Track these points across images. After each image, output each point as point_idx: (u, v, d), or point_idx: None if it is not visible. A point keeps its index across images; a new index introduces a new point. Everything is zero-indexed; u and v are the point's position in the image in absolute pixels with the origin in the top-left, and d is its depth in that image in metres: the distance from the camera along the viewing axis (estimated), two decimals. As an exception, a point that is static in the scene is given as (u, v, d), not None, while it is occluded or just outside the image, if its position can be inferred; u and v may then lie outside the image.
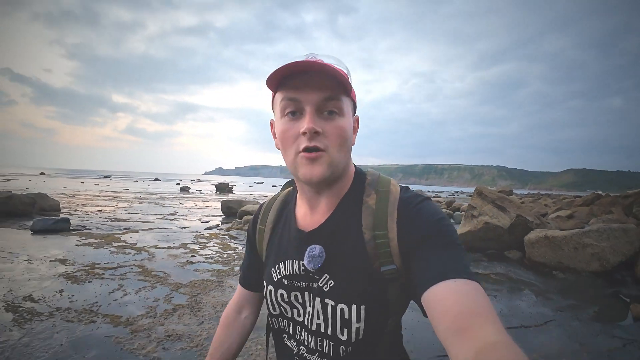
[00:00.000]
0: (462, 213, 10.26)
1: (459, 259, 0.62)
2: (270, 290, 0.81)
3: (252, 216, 0.97)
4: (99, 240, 6.71)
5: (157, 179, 63.63)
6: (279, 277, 0.80)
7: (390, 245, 0.68)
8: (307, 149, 0.67)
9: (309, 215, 0.80)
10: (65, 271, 4.55)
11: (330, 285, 0.72)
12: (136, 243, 6.69)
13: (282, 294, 0.79)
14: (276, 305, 0.81)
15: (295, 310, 0.79)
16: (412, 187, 0.80)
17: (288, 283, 0.79)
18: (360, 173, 0.81)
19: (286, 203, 0.89)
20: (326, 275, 0.73)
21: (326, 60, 0.69)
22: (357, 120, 0.81)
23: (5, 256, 5.18)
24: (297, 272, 0.77)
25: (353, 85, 0.73)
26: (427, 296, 0.58)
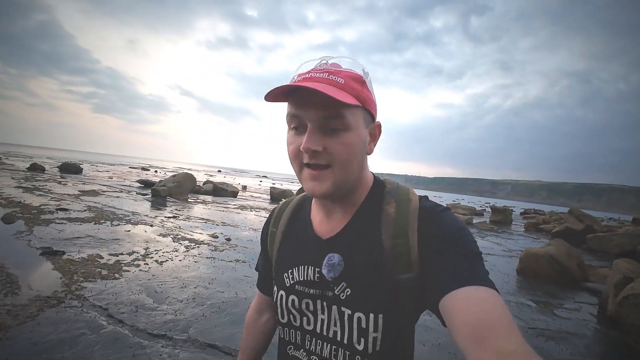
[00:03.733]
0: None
1: (478, 267, 0.61)
2: (282, 295, 0.79)
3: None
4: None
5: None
6: (292, 282, 0.78)
7: (410, 254, 0.67)
8: (309, 165, 0.67)
9: (325, 221, 0.79)
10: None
11: (347, 294, 0.70)
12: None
13: (293, 300, 0.77)
14: (285, 313, 0.79)
15: (305, 319, 0.76)
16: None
17: (301, 289, 0.76)
18: (378, 181, 0.80)
19: (300, 207, 0.88)
20: (343, 283, 0.71)
21: (342, 65, 0.68)
22: (379, 126, 0.76)
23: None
24: (312, 279, 0.75)
25: (372, 89, 0.72)
26: (445, 303, 0.58)
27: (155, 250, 5.69)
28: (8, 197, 8.96)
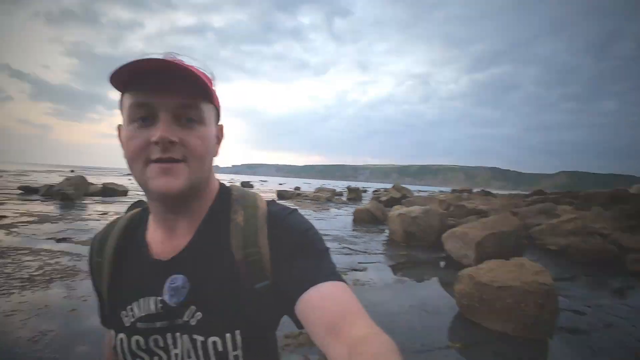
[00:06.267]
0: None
1: (325, 263, 0.63)
2: (122, 339, 0.66)
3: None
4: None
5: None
6: (133, 320, 0.66)
7: (263, 261, 0.64)
8: (160, 160, 0.59)
9: (167, 240, 0.69)
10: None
11: (198, 318, 0.63)
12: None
13: (137, 341, 0.65)
14: (129, 358, 0.66)
15: (156, 359, 0.65)
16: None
17: (144, 326, 0.65)
18: (224, 188, 0.75)
19: (132, 228, 0.74)
20: (192, 307, 0.64)
21: (187, 62, 0.61)
22: (222, 129, 0.73)
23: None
24: (155, 311, 0.65)
25: (218, 92, 0.67)
26: (300, 305, 0.57)
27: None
28: None
